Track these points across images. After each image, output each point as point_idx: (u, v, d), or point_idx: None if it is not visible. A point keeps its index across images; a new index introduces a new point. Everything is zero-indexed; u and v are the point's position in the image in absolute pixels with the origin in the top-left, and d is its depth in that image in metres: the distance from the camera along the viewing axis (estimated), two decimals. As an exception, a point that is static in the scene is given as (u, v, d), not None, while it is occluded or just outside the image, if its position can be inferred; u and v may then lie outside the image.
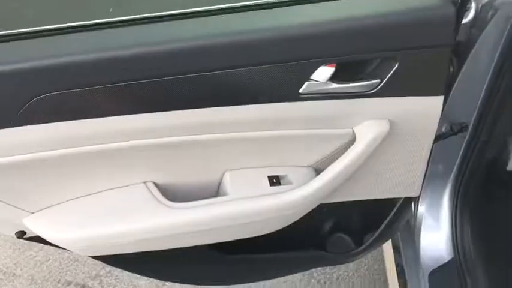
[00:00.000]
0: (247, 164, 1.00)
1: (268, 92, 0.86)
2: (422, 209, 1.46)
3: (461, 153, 1.30)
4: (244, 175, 1.00)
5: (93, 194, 0.99)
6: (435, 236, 1.46)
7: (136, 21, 0.84)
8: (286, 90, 0.86)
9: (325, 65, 0.84)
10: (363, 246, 1.29)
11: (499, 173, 1.42)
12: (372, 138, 0.93)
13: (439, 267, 1.43)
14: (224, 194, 1.00)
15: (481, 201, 1.41)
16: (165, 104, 0.85)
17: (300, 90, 0.86)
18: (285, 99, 0.87)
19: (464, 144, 1.28)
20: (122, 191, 0.99)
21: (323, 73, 0.84)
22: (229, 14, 0.84)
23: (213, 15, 0.84)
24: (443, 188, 1.42)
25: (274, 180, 1.01)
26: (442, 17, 0.82)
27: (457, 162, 1.34)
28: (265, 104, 0.87)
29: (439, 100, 0.93)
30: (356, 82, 0.87)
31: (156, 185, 1.00)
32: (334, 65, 0.85)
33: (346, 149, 0.96)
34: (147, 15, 0.84)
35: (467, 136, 1.26)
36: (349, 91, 0.88)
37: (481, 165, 1.36)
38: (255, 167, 1.01)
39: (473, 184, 1.39)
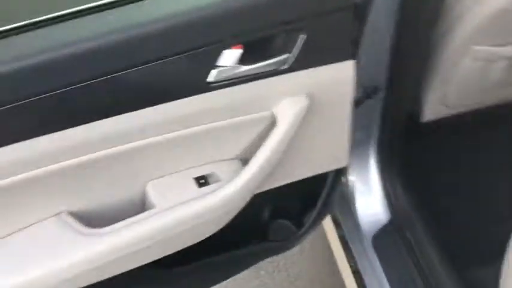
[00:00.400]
0: (170, 169, 0.93)
1: (173, 88, 0.80)
2: (352, 177, 1.46)
3: (379, 115, 1.31)
4: (168, 182, 0.92)
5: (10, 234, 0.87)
6: (369, 200, 1.48)
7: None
8: (192, 82, 0.80)
9: (230, 48, 0.79)
10: (304, 227, 1.27)
11: (416, 126, 1.46)
12: (293, 116, 0.89)
13: (379, 230, 1.44)
14: (151, 208, 0.92)
15: (405, 157, 1.44)
16: (61, 120, 0.75)
17: (208, 80, 0.80)
18: (193, 92, 0.81)
19: (380, 106, 1.29)
20: (38, 226, 0.88)
21: (229, 57, 0.79)
22: (106, 11, 0.76)
23: (88, 14, 0.76)
24: (368, 153, 1.43)
25: (202, 181, 0.94)
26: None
27: (377, 125, 1.35)
28: (174, 102, 0.81)
29: (349, 65, 0.92)
30: (266, 60, 0.83)
31: (73, 213, 0.89)
32: (241, 46, 0.80)
33: (269, 133, 0.92)
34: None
35: (382, 98, 1.27)
36: (260, 71, 0.83)
37: (399, 123, 1.38)
38: (178, 171, 0.93)
39: (395, 142, 1.41)
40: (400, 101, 1.32)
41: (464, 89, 1.38)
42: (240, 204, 0.98)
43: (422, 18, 1.08)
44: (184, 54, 0.76)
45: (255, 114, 0.90)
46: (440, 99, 1.40)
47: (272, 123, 0.92)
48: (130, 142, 0.83)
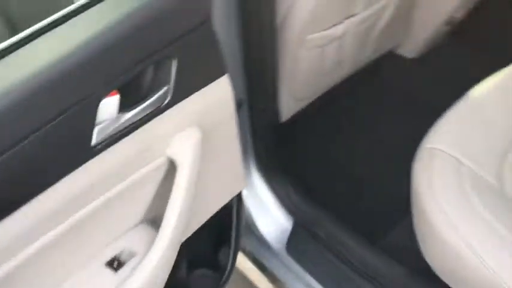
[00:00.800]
0: (74, 265, 0.75)
1: (53, 167, 0.64)
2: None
3: (249, 125, 1.28)
4: (80, 279, 0.75)
5: None
6: (267, 213, 1.44)
7: None
8: (75, 151, 0.65)
9: (105, 97, 0.66)
10: (227, 270, 1.16)
11: (279, 129, 1.47)
12: (191, 154, 0.80)
13: (289, 238, 1.41)
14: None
15: (278, 159, 1.43)
16: None
17: (92, 143, 0.66)
18: (78, 162, 0.66)
19: (248, 116, 1.27)
20: None
21: (108, 108, 0.67)
22: None
23: None
24: (249, 165, 1.39)
25: (115, 264, 0.79)
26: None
27: (250, 135, 1.32)
28: (59, 183, 0.65)
29: (225, 80, 0.86)
30: (146, 100, 0.72)
31: None
32: (115, 92, 0.68)
33: (172, 179, 0.81)
34: None
35: (247, 108, 1.24)
36: (145, 113, 0.72)
37: (269, 129, 1.37)
38: (85, 263, 0.76)
39: (270, 148, 1.40)
40: (262, 107, 1.31)
41: (307, 79, 1.44)
42: (167, 269, 0.84)
43: (263, 20, 1.07)
44: (55, 121, 0.61)
45: (150, 165, 0.79)
46: (291, 95, 1.44)
47: (172, 168, 0.81)
48: (16, 253, 0.65)
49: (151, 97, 0.73)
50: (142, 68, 0.71)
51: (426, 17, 1.67)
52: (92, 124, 0.65)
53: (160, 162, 0.79)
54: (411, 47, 1.77)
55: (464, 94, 1.19)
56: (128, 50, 0.67)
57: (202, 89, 0.81)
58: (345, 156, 1.60)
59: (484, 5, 1.75)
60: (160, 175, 0.81)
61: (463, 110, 1.19)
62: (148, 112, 0.73)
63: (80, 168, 0.66)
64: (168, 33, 0.71)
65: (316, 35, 1.29)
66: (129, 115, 0.70)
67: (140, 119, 0.72)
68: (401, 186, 1.13)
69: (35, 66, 0.60)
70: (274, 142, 1.41)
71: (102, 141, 0.67)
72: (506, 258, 0.94)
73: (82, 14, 0.66)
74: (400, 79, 1.81)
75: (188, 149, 0.79)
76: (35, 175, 0.63)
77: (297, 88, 1.44)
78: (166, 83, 0.74)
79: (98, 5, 0.68)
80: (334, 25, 1.31)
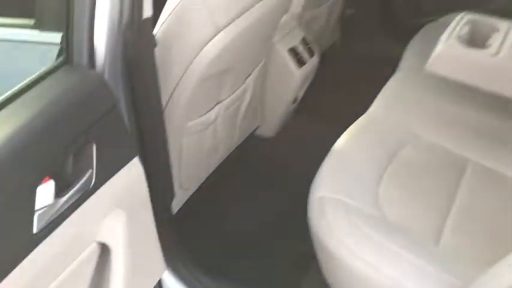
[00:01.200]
0: None
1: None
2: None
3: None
4: None
5: None
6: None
7: None
8: (18, 242, 0.64)
9: (40, 184, 0.68)
10: None
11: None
12: (121, 236, 0.82)
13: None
14: None
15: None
16: None
17: (35, 230, 0.66)
18: (23, 253, 0.65)
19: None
20: None
21: (45, 194, 0.68)
22: None
23: None
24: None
25: None
26: (98, 85, 0.81)
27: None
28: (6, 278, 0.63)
29: (137, 162, 0.91)
30: (76, 184, 0.74)
31: None
32: (48, 178, 0.69)
33: (105, 264, 0.81)
34: None
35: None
36: (76, 197, 0.74)
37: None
38: None
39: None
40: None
41: (190, 167, 1.53)
42: None
43: (152, 111, 1.16)
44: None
45: (85, 252, 0.79)
46: (178, 185, 1.51)
47: (105, 253, 0.82)
48: None
49: (80, 181, 0.75)
50: (68, 154, 0.74)
51: (276, 98, 1.92)
52: (32, 211, 0.66)
53: (93, 247, 0.80)
54: (268, 127, 2.00)
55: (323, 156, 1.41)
56: (51, 139, 0.70)
57: (120, 171, 0.85)
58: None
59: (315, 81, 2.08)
60: (94, 260, 0.81)
61: (334, 161, 1.40)
62: (78, 196, 0.75)
63: (26, 260, 0.65)
64: (83, 120, 0.77)
65: (194, 121, 1.41)
66: (63, 199, 0.72)
67: (72, 204, 0.74)
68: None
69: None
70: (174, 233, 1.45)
71: (43, 228, 0.68)
72: (402, 268, 1.11)
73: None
74: (264, 157, 2.00)
75: (118, 232, 0.81)
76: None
77: (183, 177, 1.51)
78: (90, 167, 0.78)
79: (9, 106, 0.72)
80: (207, 111, 1.46)
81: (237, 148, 1.81)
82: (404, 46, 2.00)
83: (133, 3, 0.95)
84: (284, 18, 1.86)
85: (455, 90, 1.68)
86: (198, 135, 1.47)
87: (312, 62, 1.91)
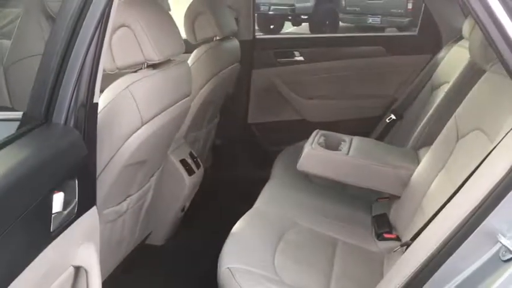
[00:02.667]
0: None
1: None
2: None
3: None
4: None
5: None
6: None
7: None
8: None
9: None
10: None
11: None
12: (95, 261, 0.94)
13: None
14: None
15: None
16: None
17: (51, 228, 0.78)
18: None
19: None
20: None
21: (58, 202, 0.81)
22: None
23: None
24: None
25: None
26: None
27: None
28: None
29: (94, 211, 1.06)
30: (68, 207, 0.88)
31: None
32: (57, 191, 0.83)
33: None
34: None
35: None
36: (69, 217, 0.87)
37: None
38: None
39: None
40: None
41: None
42: None
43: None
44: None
45: (62, 276, 0.89)
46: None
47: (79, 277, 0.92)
48: None
49: (71, 205, 0.90)
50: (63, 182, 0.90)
51: (168, 204, 2.12)
52: (50, 213, 0.79)
53: (70, 271, 0.90)
54: (159, 236, 2.16)
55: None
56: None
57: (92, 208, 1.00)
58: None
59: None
60: (70, 282, 0.91)
61: (235, 241, 1.64)
62: (67, 219, 0.89)
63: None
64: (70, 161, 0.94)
65: (109, 209, 1.55)
66: (65, 213, 0.85)
67: (64, 222, 0.87)
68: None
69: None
70: None
71: (57, 228, 0.80)
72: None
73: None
74: (153, 266, 2.12)
75: (93, 257, 0.94)
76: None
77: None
78: (75, 197, 0.93)
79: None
80: (121, 202, 1.62)
81: (127, 257, 1.91)
82: (265, 168, 2.41)
83: (88, 88, 1.18)
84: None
85: (318, 188, 2.12)
86: (111, 224, 1.60)
87: (199, 173, 2.20)
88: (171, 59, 1.67)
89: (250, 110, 2.96)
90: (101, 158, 1.41)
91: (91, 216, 1.03)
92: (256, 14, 3.03)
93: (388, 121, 2.60)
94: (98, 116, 1.38)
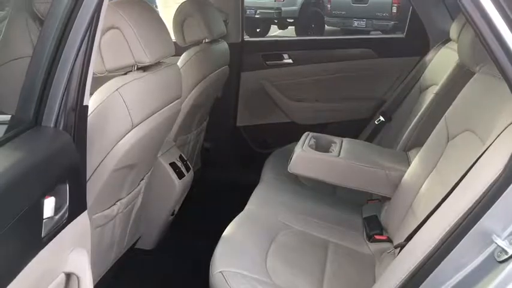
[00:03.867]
0: None
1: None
2: None
3: None
4: None
5: None
6: None
7: None
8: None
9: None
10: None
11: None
12: (87, 268, 0.92)
13: None
14: None
15: None
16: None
17: (42, 234, 0.77)
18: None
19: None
20: None
21: (49, 207, 0.79)
22: None
23: None
24: None
25: None
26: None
27: None
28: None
29: (85, 216, 1.04)
30: (59, 211, 0.86)
31: None
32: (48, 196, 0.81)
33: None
34: None
35: None
36: (60, 222, 0.85)
37: None
38: None
39: None
40: None
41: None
42: None
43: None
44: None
45: (54, 283, 0.87)
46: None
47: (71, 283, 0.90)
48: None
49: (62, 210, 0.88)
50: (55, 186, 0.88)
51: (158, 208, 2.10)
52: (41, 219, 0.77)
53: (61, 277, 0.88)
54: (148, 239, 2.13)
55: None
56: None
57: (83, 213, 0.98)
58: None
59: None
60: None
61: (226, 244, 1.63)
62: (58, 224, 0.87)
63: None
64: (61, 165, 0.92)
65: (99, 214, 1.53)
66: (56, 218, 0.83)
67: (55, 227, 0.85)
68: None
69: None
70: None
71: (47, 234, 0.78)
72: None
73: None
74: (144, 270, 2.10)
75: (84, 263, 0.92)
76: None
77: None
78: (66, 202, 0.91)
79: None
80: (111, 206, 1.59)
81: (117, 262, 1.89)
82: (255, 171, 2.40)
83: (78, 90, 1.17)
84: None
85: (309, 190, 2.12)
86: (101, 229, 1.58)
87: (189, 176, 2.18)
88: (162, 61, 1.66)
89: (239, 112, 2.95)
90: (91, 161, 1.39)
91: (82, 221, 1.01)
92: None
93: (377, 123, 2.61)
94: (88, 118, 1.37)
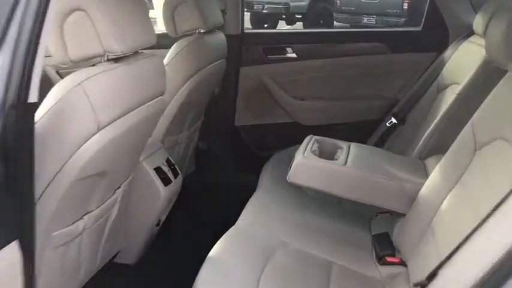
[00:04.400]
0: None
1: None
2: None
3: None
4: None
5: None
6: None
7: None
8: None
9: None
10: None
11: None
12: None
13: None
14: None
15: None
16: None
17: None
18: None
19: None
20: None
21: None
22: None
23: None
24: None
25: None
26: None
27: None
28: None
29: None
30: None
31: None
32: None
33: None
34: None
35: None
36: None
37: None
38: None
39: None
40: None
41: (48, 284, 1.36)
42: None
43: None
44: None
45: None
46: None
47: None
48: None
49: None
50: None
51: (140, 219, 1.86)
52: None
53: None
54: (129, 254, 1.90)
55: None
56: None
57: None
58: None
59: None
60: None
61: (212, 267, 1.40)
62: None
63: None
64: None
65: (60, 231, 1.29)
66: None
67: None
68: None
69: None
70: None
71: None
72: None
73: None
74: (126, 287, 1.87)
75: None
76: None
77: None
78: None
79: None
80: (75, 221, 1.36)
81: (95, 276, 1.66)
82: (254, 174, 2.17)
83: (20, 83, 0.93)
84: (149, 140, 1.94)
85: (311, 201, 1.87)
86: (64, 248, 1.34)
87: (177, 183, 1.95)
88: (140, 52, 1.42)
89: (238, 111, 2.69)
90: (45, 170, 1.16)
91: (11, 253, 0.78)
92: (250, 12, 2.78)
93: (388, 125, 2.35)
94: (42, 119, 1.13)
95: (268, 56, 2.64)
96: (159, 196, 1.85)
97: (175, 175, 1.96)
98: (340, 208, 1.92)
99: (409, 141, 2.13)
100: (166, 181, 1.88)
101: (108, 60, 1.28)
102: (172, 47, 2.06)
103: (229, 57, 2.44)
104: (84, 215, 1.40)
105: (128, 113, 1.32)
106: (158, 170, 1.86)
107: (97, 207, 1.45)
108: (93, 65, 1.26)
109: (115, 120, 1.26)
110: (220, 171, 2.66)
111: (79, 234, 1.40)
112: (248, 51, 2.61)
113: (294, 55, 2.65)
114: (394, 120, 2.34)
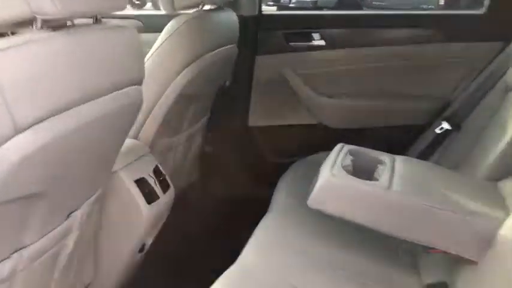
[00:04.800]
0: None
1: None
2: None
3: None
4: None
5: None
6: None
7: None
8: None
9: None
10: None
11: None
12: None
13: None
14: None
15: None
16: None
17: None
18: None
19: None
20: None
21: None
22: None
23: None
24: None
25: None
26: None
27: None
28: None
29: None
30: None
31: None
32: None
33: None
34: None
35: None
36: None
37: None
38: None
39: None
40: None
41: None
42: None
43: None
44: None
45: None
46: None
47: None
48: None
49: None
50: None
51: (116, 246, 1.46)
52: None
53: None
54: (103, 283, 1.50)
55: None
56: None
57: None
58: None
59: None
60: None
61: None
62: None
63: None
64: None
65: None
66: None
67: None
68: None
69: None
70: None
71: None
72: None
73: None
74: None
75: None
76: None
77: None
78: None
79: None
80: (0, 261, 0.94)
81: None
82: (269, 186, 1.82)
83: None
84: (132, 143, 1.53)
85: (336, 227, 1.43)
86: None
87: (166, 198, 1.52)
88: (100, 18, 0.99)
89: (252, 108, 2.27)
90: None
91: None
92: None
93: (438, 132, 1.90)
94: None
95: (290, 43, 2.20)
96: (141, 216, 1.43)
97: (165, 189, 1.54)
98: (377, 240, 1.47)
99: (467, 154, 1.66)
100: (151, 197, 1.46)
101: (42, 27, 0.85)
102: (167, 25, 1.64)
103: (242, 43, 2.02)
104: (13, 253, 0.97)
105: (73, 107, 0.88)
106: (141, 182, 1.44)
107: (36, 241, 1.03)
108: (13, 34, 0.83)
109: (48, 117, 0.82)
110: (228, 181, 2.25)
111: (6, 280, 0.98)
112: (266, 37, 2.18)
113: (322, 42, 2.20)
114: (446, 126, 1.89)
